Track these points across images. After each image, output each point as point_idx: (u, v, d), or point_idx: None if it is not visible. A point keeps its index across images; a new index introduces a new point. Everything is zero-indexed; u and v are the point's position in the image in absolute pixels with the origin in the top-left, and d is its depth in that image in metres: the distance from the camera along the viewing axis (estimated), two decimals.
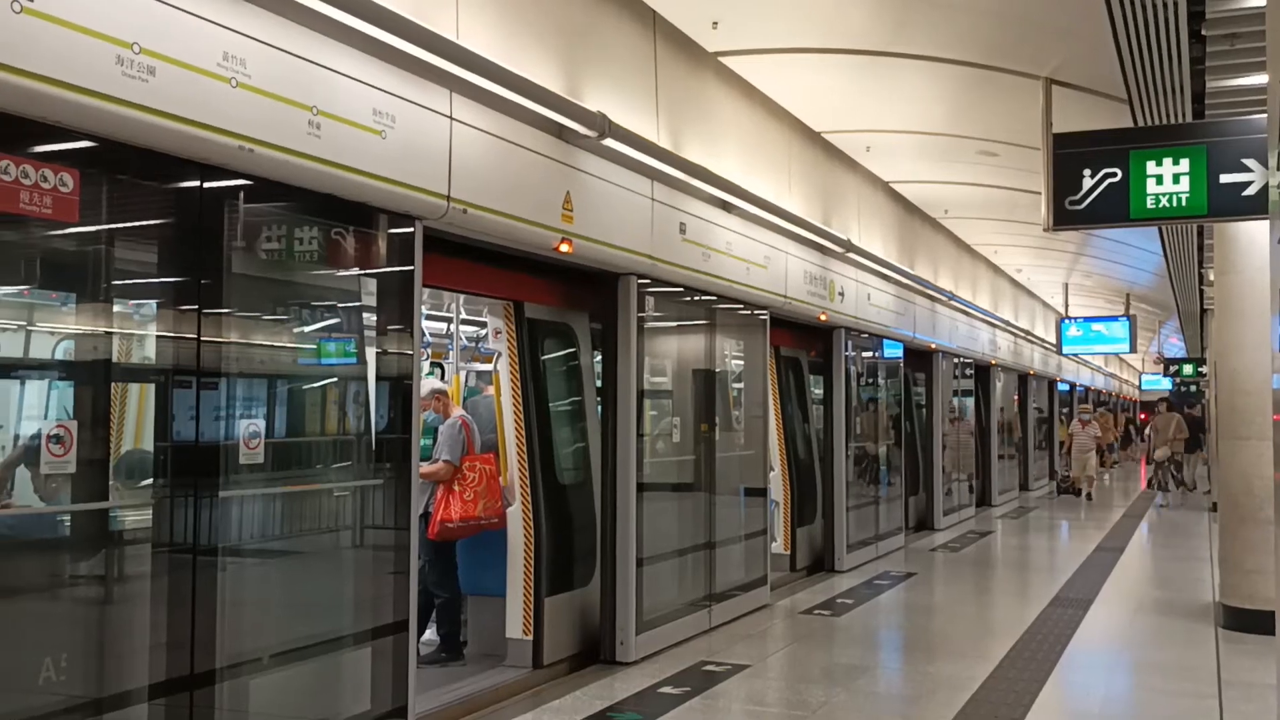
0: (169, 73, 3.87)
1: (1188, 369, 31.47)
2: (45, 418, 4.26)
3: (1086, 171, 6.91)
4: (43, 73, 3.46)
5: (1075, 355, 25.01)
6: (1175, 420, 21.20)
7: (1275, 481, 2.47)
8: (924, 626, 9.16)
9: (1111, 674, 7.35)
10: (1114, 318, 20.85)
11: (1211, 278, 11.66)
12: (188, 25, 3.96)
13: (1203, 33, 5.65)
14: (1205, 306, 18.00)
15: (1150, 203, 6.81)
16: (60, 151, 3.68)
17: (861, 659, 7.67)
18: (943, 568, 12.09)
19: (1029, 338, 22.31)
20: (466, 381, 9.86)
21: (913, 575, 11.21)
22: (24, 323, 4.62)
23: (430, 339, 10.26)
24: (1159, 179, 6.76)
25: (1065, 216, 6.96)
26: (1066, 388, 29.07)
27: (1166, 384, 39.17)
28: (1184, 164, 6.71)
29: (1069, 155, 6.97)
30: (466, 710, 6.12)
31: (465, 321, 9.44)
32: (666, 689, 6.49)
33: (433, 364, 10.39)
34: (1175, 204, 6.75)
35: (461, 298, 8.36)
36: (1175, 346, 37.03)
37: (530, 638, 6.85)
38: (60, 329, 4.34)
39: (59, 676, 3.78)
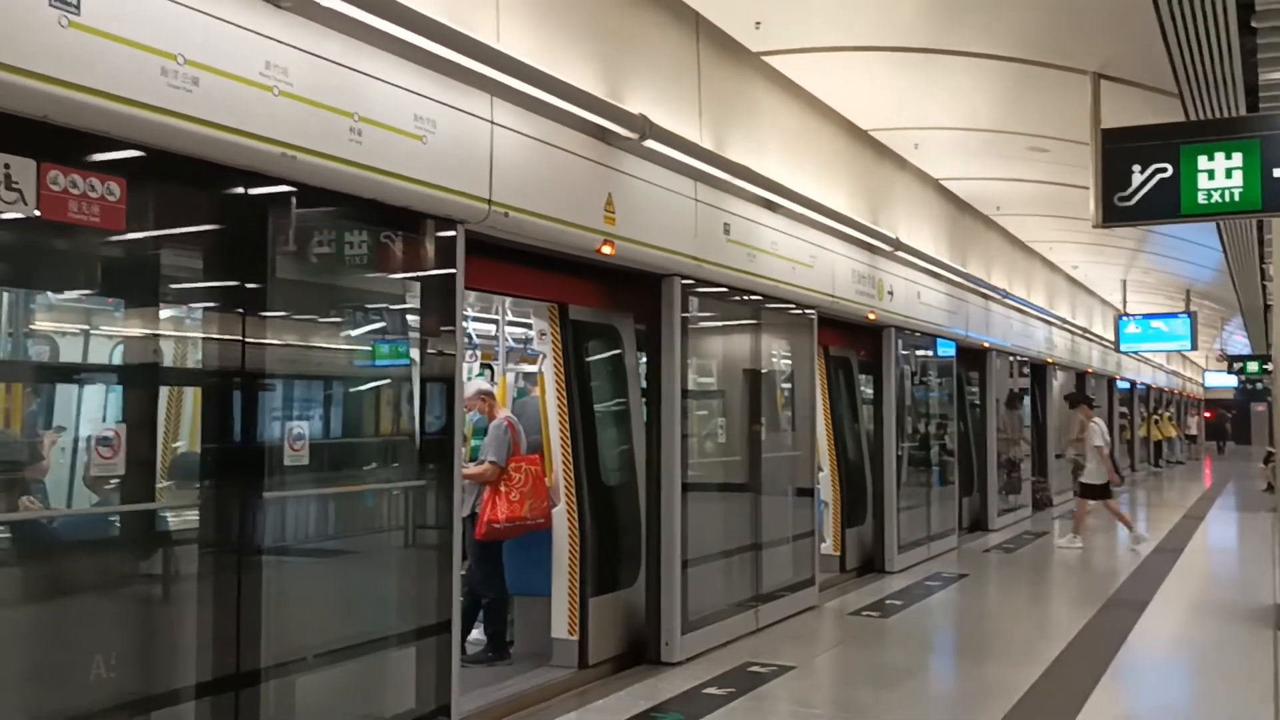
0: (212, 82, 3.95)
1: (1252, 366, 30.82)
2: (103, 420, 4.37)
3: (1136, 167, 6.81)
4: (90, 85, 3.55)
5: (1134, 353, 24.57)
6: (1078, 420, 15.65)
7: None
8: (974, 628, 9.07)
9: (1164, 678, 7.24)
10: (1174, 314, 20.47)
11: (1272, 273, 11.43)
12: (230, 36, 4.03)
13: (1252, 24, 5.54)
14: (1269, 302, 17.61)
15: (1202, 198, 6.69)
16: (107, 161, 3.76)
17: (909, 661, 7.61)
18: (995, 569, 11.96)
19: (1086, 335, 21.98)
20: (515, 382, 9.95)
21: (965, 576, 11.10)
22: (74, 328, 4.75)
23: (478, 341, 10.35)
24: (1210, 174, 6.64)
25: (1114, 213, 6.87)
26: (1127, 386, 28.58)
27: (1232, 381, 38.44)
28: (1236, 158, 6.59)
29: (1118, 150, 6.87)
30: (512, 709, 6.17)
31: (512, 323, 9.52)
32: (711, 690, 6.50)
33: (482, 365, 10.49)
34: (1228, 199, 6.63)
35: (508, 300, 8.42)
36: (1240, 343, 36.28)
37: (576, 638, 6.89)
38: (109, 334, 4.44)
39: (109, 674, 3.87)
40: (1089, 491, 13.56)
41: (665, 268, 7.12)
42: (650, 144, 6.53)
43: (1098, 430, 13.53)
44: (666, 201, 7.02)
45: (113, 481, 4.02)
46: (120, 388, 4.47)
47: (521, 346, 10.25)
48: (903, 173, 11.50)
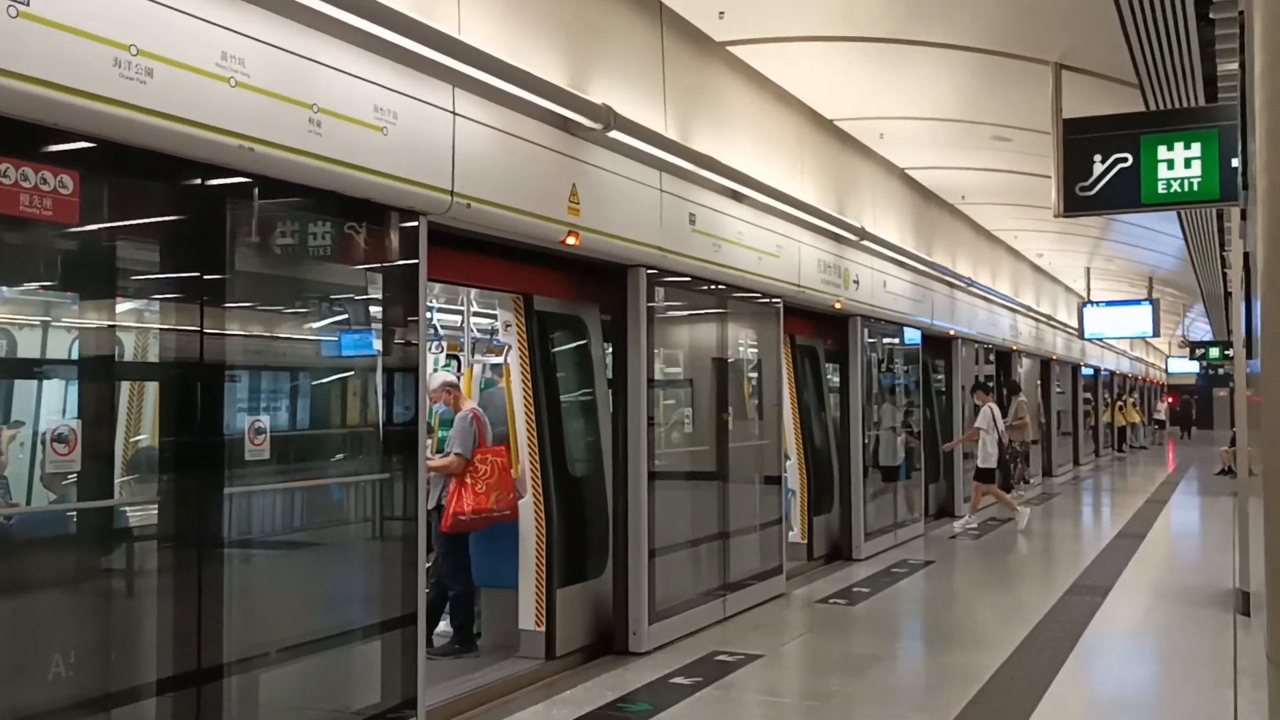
0: (167, 74, 3.90)
1: (1214, 352, 31.23)
2: (62, 415, 4.31)
3: (1097, 157, 6.86)
4: (41, 76, 3.49)
5: (1098, 340, 24.83)
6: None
7: (1265, 464, 2.46)
8: (940, 615, 9.14)
9: (1126, 662, 7.32)
10: (1137, 301, 20.68)
11: (1232, 260, 11.56)
12: (185, 26, 3.98)
13: (1210, 15, 5.59)
14: (1229, 290, 17.82)
15: (1161, 188, 6.76)
16: (60, 153, 3.71)
17: (876, 648, 7.65)
18: (961, 556, 12.05)
19: (1051, 323, 22.17)
20: (483, 374, 9.91)
21: (931, 563, 11.18)
22: (27, 323, 4.68)
23: (444, 332, 10.31)
24: (1170, 164, 6.71)
25: (1076, 203, 6.92)
26: (1091, 372, 28.87)
27: (1194, 367, 38.98)
28: (1196, 148, 6.66)
29: (1079, 141, 6.93)
30: (479, 701, 6.16)
31: (478, 314, 9.48)
32: (678, 679, 6.51)
33: (449, 356, 10.45)
34: (1187, 189, 6.70)
35: (473, 291, 8.39)
36: (1202, 330, 36.73)
37: (543, 629, 6.88)
38: (65, 328, 4.38)
39: (69, 672, 3.83)
40: (983, 475, 13.76)
41: (630, 258, 7.11)
42: (615, 134, 6.51)
43: (985, 415, 13.70)
44: (631, 192, 7.01)
45: (69, 478, 3.97)
46: (77, 382, 4.41)
47: (487, 337, 10.20)
48: (868, 162, 11.54)
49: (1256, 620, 6.65)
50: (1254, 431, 8.28)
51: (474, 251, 6.20)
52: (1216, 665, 6.92)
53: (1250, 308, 3.75)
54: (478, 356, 9.40)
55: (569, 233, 6.30)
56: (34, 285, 4.43)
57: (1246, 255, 4.78)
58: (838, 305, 10.65)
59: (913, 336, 13.48)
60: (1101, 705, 6.29)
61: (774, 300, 9.34)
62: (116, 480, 4.40)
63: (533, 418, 6.98)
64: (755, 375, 9.57)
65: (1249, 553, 8.43)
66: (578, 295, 7.35)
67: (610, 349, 7.52)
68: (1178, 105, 7.14)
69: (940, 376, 15.55)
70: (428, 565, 6.12)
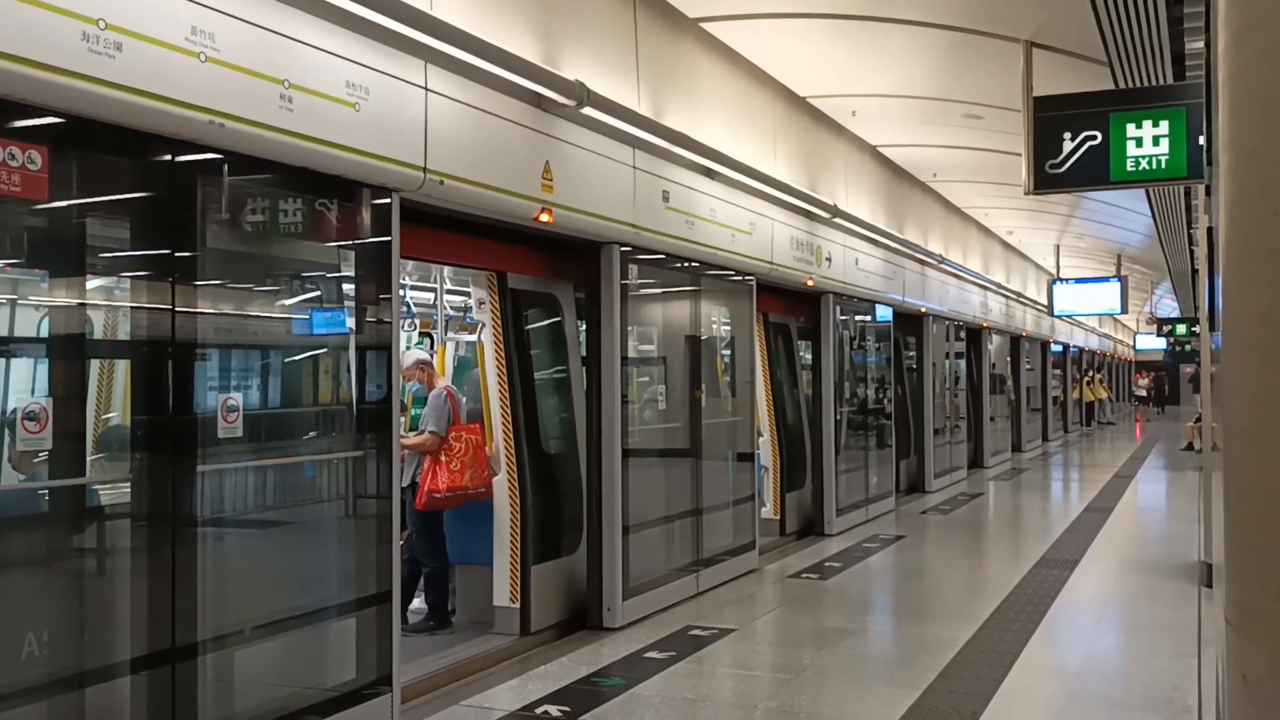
0: (136, 48, 3.86)
1: (1181, 329, 31.60)
2: (32, 393, 4.28)
3: (1067, 134, 6.91)
4: (7, 50, 3.45)
5: (1067, 317, 25.04)
6: None
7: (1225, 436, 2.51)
8: (911, 589, 9.24)
9: (1093, 633, 7.43)
10: (1105, 279, 20.86)
11: (1199, 238, 11.68)
12: (155, 0, 3.94)
13: None
14: (1196, 266, 18.00)
15: (1130, 165, 6.82)
16: (28, 128, 3.67)
17: (848, 622, 7.74)
18: (932, 530, 12.17)
19: (1021, 300, 22.33)
20: (456, 351, 9.90)
21: (902, 538, 11.28)
22: None
23: (416, 310, 10.28)
24: (1139, 141, 6.77)
25: (1045, 180, 6.97)
26: (1060, 349, 29.12)
27: (1161, 344, 39.48)
28: (1164, 126, 6.72)
29: (1049, 118, 6.98)
30: (454, 678, 6.19)
31: (451, 292, 9.45)
32: (652, 654, 6.56)
33: (422, 334, 10.41)
34: (1155, 166, 6.77)
35: (447, 269, 8.36)
36: (1169, 306, 37.10)
37: (517, 605, 6.91)
38: (35, 305, 4.35)
39: (42, 651, 3.82)
40: None
41: (604, 235, 7.11)
42: (588, 111, 6.50)
43: None
44: (605, 169, 7.00)
45: (40, 456, 3.95)
46: (47, 360, 4.38)
47: (460, 315, 10.17)
48: (840, 140, 11.56)
49: (1219, 591, 6.76)
50: (1218, 406, 8.37)
51: (447, 229, 6.18)
52: (1181, 635, 7.05)
53: (1214, 283, 3.80)
54: (451, 334, 9.38)
55: (542, 209, 6.29)
56: (1, 263, 4.38)
57: (1210, 231, 4.85)
58: (810, 283, 10.69)
59: (884, 314, 13.56)
60: (1070, 674, 6.39)
61: (747, 278, 9.37)
62: (88, 458, 4.38)
63: (507, 395, 6.98)
64: (728, 353, 9.60)
65: (1213, 526, 8.56)
66: (552, 272, 7.35)
67: (584, 326, 7.53)
68: (1146, 83, 7.19)
69: (911, 353, 15.66)
70: (401, 543, 6.13)
